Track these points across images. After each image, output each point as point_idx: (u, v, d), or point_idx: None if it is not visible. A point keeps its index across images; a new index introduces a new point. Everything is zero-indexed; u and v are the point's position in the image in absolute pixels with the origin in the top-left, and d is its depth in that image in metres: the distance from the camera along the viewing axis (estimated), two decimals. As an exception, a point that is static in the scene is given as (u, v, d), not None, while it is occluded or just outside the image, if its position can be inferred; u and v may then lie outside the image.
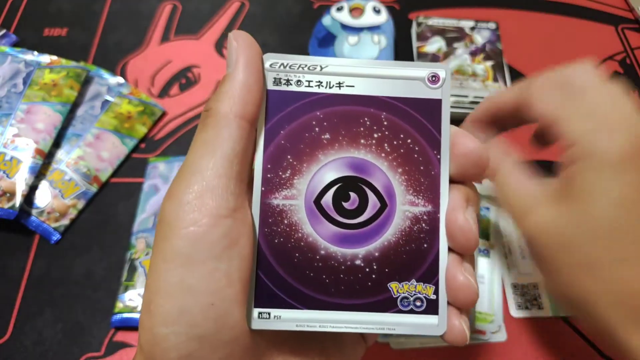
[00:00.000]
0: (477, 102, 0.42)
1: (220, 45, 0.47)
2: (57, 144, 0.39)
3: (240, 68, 0.18)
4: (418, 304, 0.19)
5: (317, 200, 0.19)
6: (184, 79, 0.45)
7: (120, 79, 0.43)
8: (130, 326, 0.33)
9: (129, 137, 0.40)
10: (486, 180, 0.30)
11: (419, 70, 0.19)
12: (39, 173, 0.37)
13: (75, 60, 0.43)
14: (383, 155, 0.19)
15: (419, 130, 0.19)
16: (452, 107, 0.42)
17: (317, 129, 0.19)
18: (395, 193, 0.19)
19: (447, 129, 0.19)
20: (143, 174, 0.39)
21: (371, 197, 0.19)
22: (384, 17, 0.44)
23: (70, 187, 0.37)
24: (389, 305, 0.19)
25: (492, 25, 0.47)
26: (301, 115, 0.19)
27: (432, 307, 0.19)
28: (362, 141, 0.19)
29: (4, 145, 0.37)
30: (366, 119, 0.19)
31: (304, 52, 0.45)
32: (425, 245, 0.19)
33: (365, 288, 0.19)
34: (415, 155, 0.19)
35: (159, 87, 0.44)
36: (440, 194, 0.19)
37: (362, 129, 0.19)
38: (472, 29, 0.47)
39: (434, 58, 0.45)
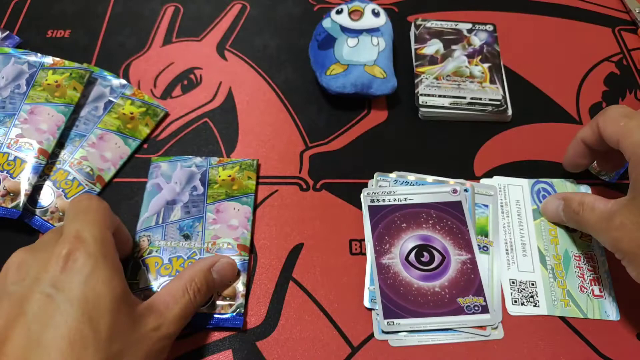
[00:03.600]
0: (474, 104, 0.43)
1: (222, 47, 0.48)
2: (60, 144, 0.39)
3: None
4: (476, 308, 0.33)
5: (406, 258, 0.35)
6: (186, 80, 0.45)
7: (123, 81, 0.44)
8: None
9: (132, 137, 0.41)
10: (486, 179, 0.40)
11: (446, 187, 0.38)
12: (43, 173, 0.37)
13: (78, 61, 0.43)
14: (437, 231, 0.36)
15: (453, 216, 0.36)
16: (449, 108, 0.43)
17: (398, 222, 0.36)
18: (449, 250, 0.35)
19: (469, 213, 0.37)
20: (146, 174, 0.39)
21: (436, 253, 0.35)
22: (382, 19, 0.44)
23: (74, 187, 0.37)
24: (459, 311, 0.33)
25: (490, 28, 0.48)
26: (388, 215, 0.37)
27: (484, 309, 0.33)
28: (424, 225, 0.36)
29: (8, 145, 0.37)
30: (424, 214, 0.37)
31: (304, 53, 0.46)
32: (472, 275, 0.34)
33: (443, 303, 0.33)
34: (455, 229, 0.36)
35: (161, 88, 0.45)
36: (473, 247, 0.36)
37: (422, 219, 0.36)
38: (470, 31, 0.48)
39: (432, 60, 0.45)
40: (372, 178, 0.39)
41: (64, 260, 0.25)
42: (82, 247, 0.26)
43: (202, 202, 0.36)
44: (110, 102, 0.42)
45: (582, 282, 0.35)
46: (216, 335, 0.32)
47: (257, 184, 0.39)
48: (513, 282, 0.35)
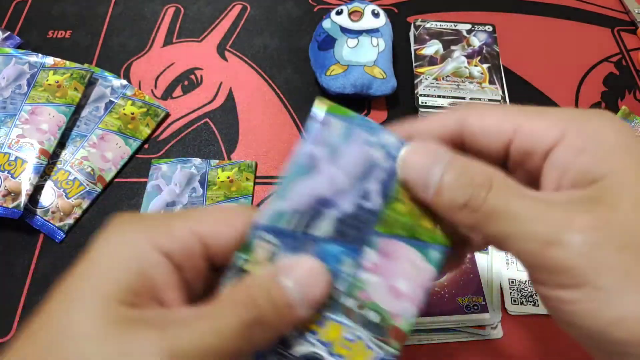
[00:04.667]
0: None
1: (222, 47, 0.48)
2: (61, 144, 0.39)
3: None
4: (475, 308, 0.33)
5: None
6: (187, 81, 0.46)
7: (124, 81, 0.44)
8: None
9: (133, 138, 0.41)
10: None
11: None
12: (44, 173, 0.37)
13: (79, 62, 0.43)
14: None
15: None
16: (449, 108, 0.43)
17: None
18: None
19: None
20: (147, 174, 0.39)
21: None
22: (382, 20, 0.45)
23: (75, 187, 0.38)
24: (458, 310, 0.33)
25: (489, 28, 0.48)
26: None
27: (484, 309, 0.33)
28: None
29: (9, 145, 0.37)
30: None
31: (305, 54, 0.46)
32: (471, 275, 0.34)
33: (442, 303, 0.33)
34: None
35: (162, 89, 0.45)
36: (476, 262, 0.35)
37: None
38: (469, 31, 0.48)
39: (432, 60, 0.46)
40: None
41: None
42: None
43: (201, 204, 0.37)
44: (111, 102, 0.42)
45: (581, 282, 0.35)
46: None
47: (254, 184, 0.39)
48: (512, 282, 0.35)
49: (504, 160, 0.20)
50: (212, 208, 0.21)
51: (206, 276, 0.20)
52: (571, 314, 0.17)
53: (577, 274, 0.16)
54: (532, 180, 0.20)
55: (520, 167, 0.20)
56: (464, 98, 0.43)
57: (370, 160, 0.20)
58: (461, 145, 0.21)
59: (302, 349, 0.20)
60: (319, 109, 0.21)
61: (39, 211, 0.36)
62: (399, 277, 0.20)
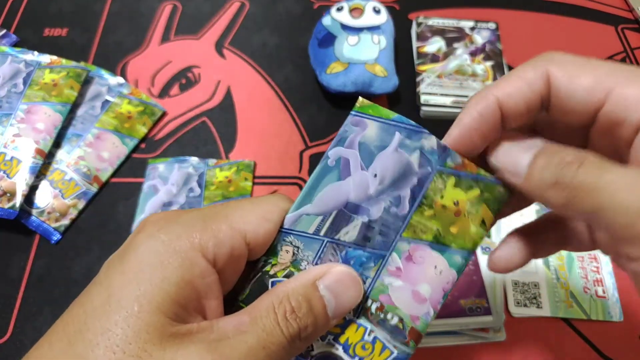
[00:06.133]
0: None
1: (220, 45, 0.47)
2: (57, 144, 0.39)
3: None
4: (478, 310, 0.32)
5: None
6: (184, 79, 0.45)
7: (121, 79, 0.43)
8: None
9: (129, 137, 0.40)
10: None
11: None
12: (40, 173, 0.37)
13: (75, 60, 0.43)
14: None
15: None
16: (451, 106, 0.42)
17: None
18: None
19: None
20: (143, 174, 0.39)
21: None
22: (384, 17, 0.44)
23: (71, 187, 0.37)
24: (461, 313, 0.32)
25: (492, 26, 0.47)
26: None
27: (487, 311, 0.32)
28: None
29: (4, 145, 0.37)
30: None
31: (304, 52, 0.45)
32: (474, 277, 0.33)
33: (446, 305, 0.30)
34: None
35: (159, 87, 0.44)
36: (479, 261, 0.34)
37: None
38: (472, 29, 0.47)
39: (434, 58, 0.45)
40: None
41: None
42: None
43: (199, 204, 0.36)
44: (107, 101, 0.42)
45: (586, 283, 0.34)
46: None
47: (253, 184, 0.38)
48: (516, 284, 0.34)
49: (590, 126, 0.19)
50: (248, 201, 0.19)
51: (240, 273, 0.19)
52: None
53: None
54: (619, 151, 0.19)
55: (608, 136, 0.19)
56: (466, 96, 0.42)
57: (404, 166, 0.20)
58: (547, 104, 0.19)
59: (321, 349, 0.20)
60: (357, 109, 0.20)
61: (34, 212, 0.36)
62: (421, 281, 0.20)
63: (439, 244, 0.20)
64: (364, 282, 0.20)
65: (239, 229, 0.18)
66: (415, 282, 0.20)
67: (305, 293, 0.18)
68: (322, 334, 0.19)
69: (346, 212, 0.20)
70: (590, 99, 0.18)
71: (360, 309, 0.20)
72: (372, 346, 0.20)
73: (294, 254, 0.20)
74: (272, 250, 0.20)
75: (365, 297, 0.20)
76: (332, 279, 0.19)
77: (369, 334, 0.20)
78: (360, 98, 0.20)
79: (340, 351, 0.20)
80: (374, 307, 0.20)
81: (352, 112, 0.20)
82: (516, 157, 0.19)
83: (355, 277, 0.20)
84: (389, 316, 0.20)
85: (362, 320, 0.20)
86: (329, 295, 0.19)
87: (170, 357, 0.15)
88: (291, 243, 0.20)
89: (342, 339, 0.20)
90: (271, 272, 0.20)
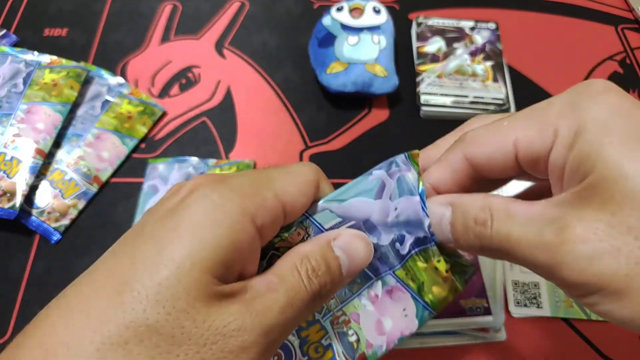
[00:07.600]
0: (476, 102, 0.42)
1: (220, 45, 0.47)
2: (57, 144, 0.39)
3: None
4: (478, 310, 0.31)
5: None
6: (184, 79, 0.45)
7: (121, 79, 0.43)
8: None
9: (129, 137, 0.40)
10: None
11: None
12: (40, 173, 0.37)
13: (75, 60, 0.43)
14: None
15: None
16: (451, 106, 0.42)
17: None
18: None
19: None
20: (143, 174, 0.39)
21: None
22: (383, 17, 0.44)
23: (71, 187, 0.37)
24: (461, 313, 0.31)
25: (492, 26, 0.47)
26: None
27: (487, 311, 0.31)
28: None
29: (4, 145, 0.37)
30: None
31: (304, 52, 0.45)
32: (474, 278, 0.32)
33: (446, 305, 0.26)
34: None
35: (159, 87, 0.44)
36: (479, 263, 0.32)
37: None
38: (472, 29, 0.47)
39: (434, 58, 0.45)
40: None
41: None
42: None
43: None
44: (107, 101, 0.42)
45: (586, 284, 0.34)
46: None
47: None
48: (516, 284, 0.34)
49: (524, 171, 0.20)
50: (285, 171, 0.20)
51: None
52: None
53: (582, 287, 0.16)
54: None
55: (540, 173, 0.20)
56: (467, 96, 0.42)
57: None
58: (479, 176, 0.21)
59: None
60: (410, 156, 0.22)
61: (34, 212, 0.36)
62: (388, 316, 0.22)
63: (418, 294, 0.22)
64: (345, 293, 0.22)
65: (281, 200, 0.19)
66: (384, 313, 0.22)
67: (323, 253, 0.20)
68: (337, 292, 0.21)
69: (363, 227, 0.22)
70: (505, 156, 0.19)
71: (331, 315, 0.22)
72: (324, 352, 0.21)
73: (303, 238, 0.21)
74: (288, 226, 0.21)
75: (340, 307, 0.22)
76: (345, 240, 0.20)
77: (325, 339, 0.22)
78: (416, 151, 0.22)
79: (296, 344, 0.21)
80: (341, 319, 0.22)
81: (406, 154, 0.22)
82: (440, 226, 0.20)
83: (366, 238, 0.21)
84: (350, 332, 0.22)
85: (326, 324, 0.22)
86: (343, 255, 0.20)
87: (215, 315, 0.16)
88: (306, 228, 0.21)
89: (304, 334, 0.22)
90: (277, 245, 0.21)
